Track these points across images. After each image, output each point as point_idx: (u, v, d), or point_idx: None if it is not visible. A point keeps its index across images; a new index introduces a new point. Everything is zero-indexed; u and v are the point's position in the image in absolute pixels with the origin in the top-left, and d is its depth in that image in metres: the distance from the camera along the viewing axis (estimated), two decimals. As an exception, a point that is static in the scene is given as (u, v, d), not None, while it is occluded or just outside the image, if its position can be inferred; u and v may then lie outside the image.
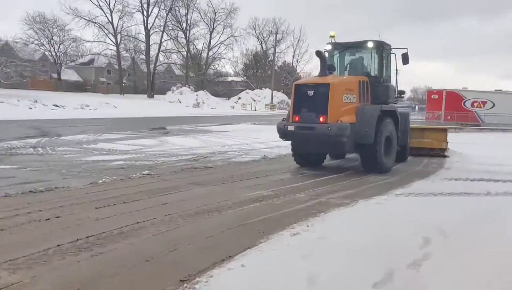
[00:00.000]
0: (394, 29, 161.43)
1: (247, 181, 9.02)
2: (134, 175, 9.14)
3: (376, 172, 10.24)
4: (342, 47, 11.72)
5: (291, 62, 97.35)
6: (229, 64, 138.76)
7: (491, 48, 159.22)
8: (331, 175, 10.10)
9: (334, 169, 11.07)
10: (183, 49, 74.12)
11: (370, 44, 11.23)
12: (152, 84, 67.58)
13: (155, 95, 65.64)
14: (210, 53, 78.66)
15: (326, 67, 10.22)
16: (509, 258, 4.52)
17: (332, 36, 11.99)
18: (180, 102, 58.37)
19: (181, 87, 65.36)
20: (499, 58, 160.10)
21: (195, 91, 64.34)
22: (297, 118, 9.98)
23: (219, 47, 78.71)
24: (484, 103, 34.85)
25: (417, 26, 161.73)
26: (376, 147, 10.09)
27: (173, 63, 77.64)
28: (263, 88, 78.51)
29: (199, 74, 76.59)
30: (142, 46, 70.26)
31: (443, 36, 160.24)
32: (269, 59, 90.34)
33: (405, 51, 11.07)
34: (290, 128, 9.97)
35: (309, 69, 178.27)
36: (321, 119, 9.66)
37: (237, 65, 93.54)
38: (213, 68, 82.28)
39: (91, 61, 76.91)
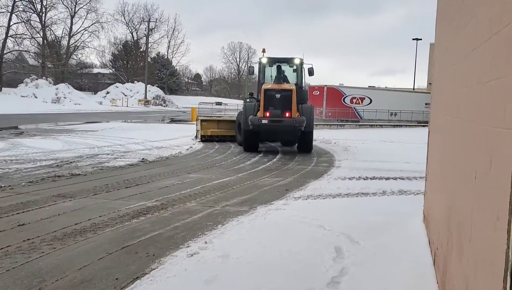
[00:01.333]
0: (276, 23, 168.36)
1: (125, 190, 8.23)
2: None
3: (309, 151, 14.87)
4: (273, 61, 15.82)
5: (166, 53, 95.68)
6: (94, 54, 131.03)
7: (363, 45, 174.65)
8: (221, 179, 9.75)
9: (224, 172, 10.74)
10: (38, 35, 67.91)
11: (297, 61, 15.69)
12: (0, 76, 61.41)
13: (3, 88, 59.87)
14: (72, 40, 73.71)
15: (282, 78, 15.09)
16: (422, 259, 4.55)
17: (263, 51, 16.80)
18: (35, 96, 53.58)
19: (37, 79, 59.64)
20: (371, 55, 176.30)
21: (54, 84, 59.47)
22: (267, 114, 13.84)
23: (83, 34, 74.20)
24: (362, 99, 37.75)
25: (298, 20, 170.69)
26: (312, 133, 14.82)
27: (25, 51, 70.52)
28: (135, 81, 75.55)
29: (59, 64, 71.12)
30: None
31: (319, 32, 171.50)
32: (141, 49, 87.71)
33: (310, 66, 15.56)
34: (264, 121, 13.71)
35: (186, 62, 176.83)
36: (287, 115, 13.96)
37: (104, 55, 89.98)
38: (75, 58, 77.33)
39: None
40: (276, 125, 13.79)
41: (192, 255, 4.73)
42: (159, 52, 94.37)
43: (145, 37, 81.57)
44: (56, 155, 11.92)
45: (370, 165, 12.25)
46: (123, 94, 68.82)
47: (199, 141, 17.32)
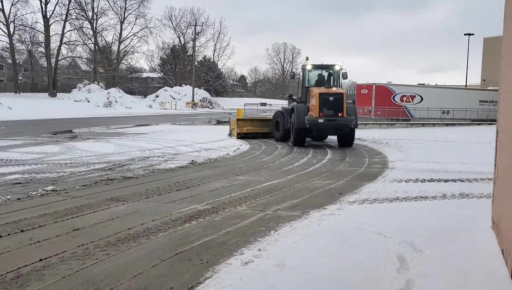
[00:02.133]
0: (320, 22, 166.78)
1: (176, 193, 8.19)
2: (34, 193, 7.97)
3: (351, 146, 16.86)
4: (316, 67, 17.66)
5: (212, 57, 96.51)
6: (143, 58, 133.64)
7: (412, 42, 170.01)
8: (270, 181, 9.56)
9: (272, 174, 10.54)
10: (90, 41, 69.61)
11: (337, 67, 17.54)
12: (54, 80, 62.47)
13: (58, 94, 61.24)
14: (122, 46, 74.89)
15: (331, 82, 17.34)
16: (496, 271, 4.17)
17: (307, 59, 18.65)
18: (88, 101, 54.79)
19: (89, 84, 60.73)
20: (420, 52, 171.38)
21: (105, 89, 60.46)
22: (321, 114, 15.94)
23: (132, 39, 75.37)
24: (412, 97, 36.53)
25: (341, 19, 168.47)
26: (355, 130, 16.97)
27: (78, 57, 72.02)
28: (183, 85, 76.40)
29: (110, 69, 72.39)
30: (41, 38, 64.48)
31: (366, 29, 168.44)
32: (188, 53, 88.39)
33: (344, 71, 17.39)
34: (320, 120, 15.83)
35: (231, 64, 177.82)
36: (339, 114, 16.05)
37: (152, 60, 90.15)
38: (125, 63, 78.19)
39: None
40: (331, 124, 15.99)
41: (246, 263, 4.55)
42: (206, 55, 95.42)
43: (192, 41, 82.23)
44: (109, 158, 12.12)
45: (426, 166, 11.71)
46: (172, 97, 69.39)
47: (236, 138, 19.17)
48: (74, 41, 67.18)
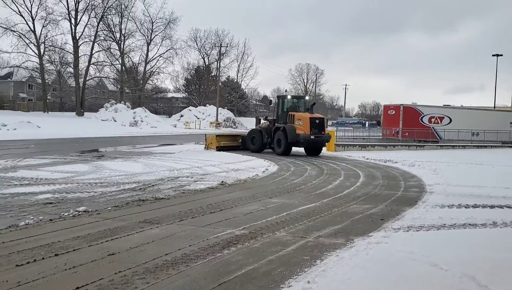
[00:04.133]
0: (343, 43, 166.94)
1: (210, 216, 7.91)
2: (66, 213, 7.76)
3: (317, 155, 22.20)
4: (292, 97, 23.73)
5: (235, 77, 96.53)
6: (169, 79, 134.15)
7: (437, 63, 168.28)
8: (305, 205, 9.20)
9: (306, 197, 10.20)
10: (117, 62, 70.05)
11: (307, 97, 24.80)
12: (81, 100, 63.05)
13: (85, 113, 61.65)
14: (148, 66, 75.02)
15: (307, 109, 22.79)
16: None
17: (286, 91, 29.63)
18: (115, 120, 54.90)
19: (116, 104, 60.74)
20: (445, 73, 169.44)
21: (132, 108, 60.22)
22: (311, 132, 20.95)
23: (158, 60, 75.44)
24: (441, 118, 35.75)
25: (365, 39, 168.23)
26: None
27: (105, 77, 72.40)
28: (207, 104, 76.10)
29: (136, 89, 72.99)
30: (70, 58, 64.52)
31: (389, 50, 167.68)
32: (212, 74, 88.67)
33: (313, 101, 24.96)
34: (312, 137, 20.93)
35: (254, 84, 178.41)
36: (322, 133, 21.52)
37: (177, 80, 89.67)
38: (151, 83, 78.39)
39: (10, 74, 70.83)
40: (318, 139, 21.31)
41: (297, 297, 4.21)
42: (229, 76, 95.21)
43: (216, 62, 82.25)
44: (138, 178, 11.94)
45: (466, 190, 11.19)
46: (196, 117, 68.70)
47: (215, 150, 22.02)
48: (101, 61, 67.81)
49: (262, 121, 24.28)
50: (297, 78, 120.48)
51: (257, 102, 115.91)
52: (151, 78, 76.70)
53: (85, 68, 64.43)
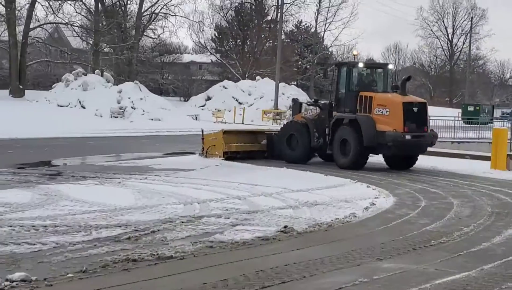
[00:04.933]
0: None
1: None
2: None
3: (409, 168, 14.58)
4: (365, 66, 16.03)
5: (313, 24, 57.75)
6: (186, 27, 70.11)
7: None
8: (450, 276, 5.13)
9: (450, 261, 6.12)
10: None
11: (390, 66, 16.88)
12: (20, 68, 36.94)
13: (28, 92, 36.92)
14: (147, 4, 43.98)
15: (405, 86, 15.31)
16: None
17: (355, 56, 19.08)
18: (82, 106, 31.44)
19: (85, 74, 34.65)
20: None
21: (115, 84, 34.51)
22: (406, 129, 13.80)
23: None
24: None
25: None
26: None
27: (65, 24, 40.65)
28: (257, 77, 43.62)
29: (123, 47, 43.39)
30: None
31: None
32: (269, 17, 53.25)
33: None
34: (408, 137, 13.62)
35: (350, 38, 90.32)
36: (424, 130, 14.32)
37: (202, 30, 51.04)
38: (152, 35, 47.31)
39: None
40: (417, 141, 14.11)
41: None
42: (301, 20, 56.47)
43: None
44: (125, 217, 7.34)
45: None
46: (236, 100, 39.94)
47: (222, 159, 14.60)
48: None
49: (305, 106, 16.69)
50: (433, 25, 70.03)
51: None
52: (151, 27, 46.55)
53: (27, 5, 37.64)
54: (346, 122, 14.15)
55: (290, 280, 4.92)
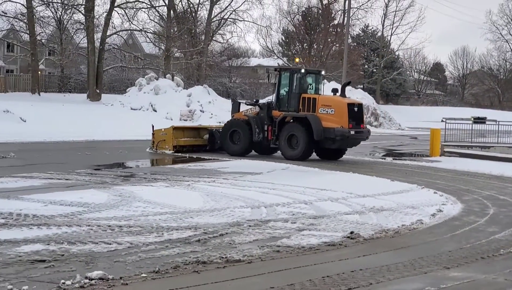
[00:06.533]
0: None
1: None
2: (69, 282, 4.84)
3: (337, 159, 16.85)
4: (306, 72, 17.37)
5: (380, 27, 58.48)
6: (254, 32, 78.13)
7: None
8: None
9: None
10: (160, 2, 41.49)
11: (323, 72, 18.84)
12: (97, 73, 37.28)
13: (104, 96, 37.36)
14: (216, 10, 44.64)
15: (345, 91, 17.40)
16: None
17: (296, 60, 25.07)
18: (154, 109, 32.22)
19: (156, 79, 35.52)
20: None
21: (184, 88, 35.45)
22: (350, 126, 15.72)
23: None
24: None
25: None
26: None
27: (139, 31, 41.33)
28: (324, 79, 39.74)
29: (194, 52, 43.39)
30: None
31: None
32: (335, 21, 53.25)
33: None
34: (352, 132, 15.66)
35: (416, 42, 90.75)
36: (361, 126, 16.46)
37: (269, 34, 50.68)
38: (220, 40, 48.22)
39: None
40: (358, 136, 16.19)
41: None
42: (367, 24, 57.99)
43: None
44: (195, 220, 7.82)
45: None
46: None
47: (174, 151, 16.36)
48: (134, 1, 39.51)
49: (245, 106, 17.91)
50: (502, 28, 66.11)
51: (423, 76, 70.18)
52: (220, 32, 47.46)
53: (104, 14, 37.96)
54: (295, 120, 16.05)
55: (357, 287, 4.92)
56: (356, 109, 16.11)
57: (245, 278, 5.19)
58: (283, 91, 16.65)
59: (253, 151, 16.91)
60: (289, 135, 16.05)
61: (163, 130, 17.20)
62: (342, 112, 15.64)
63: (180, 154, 16.30)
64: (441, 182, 12.55)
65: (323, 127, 15.45)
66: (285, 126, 16.02)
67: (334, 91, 16.93)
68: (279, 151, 16.54)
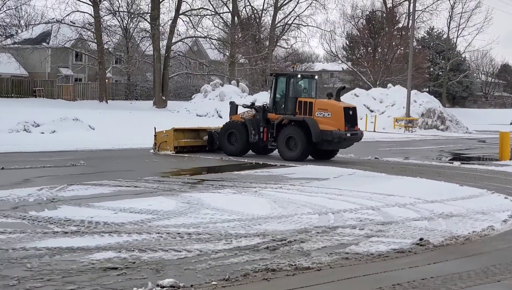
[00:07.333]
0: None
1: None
2: None
3: (329, 159, 17.40)
4: (302, 76, 18.32)
5: (445, 29, 58.04)
6: (318, 37, 77.89)
7: None
8: None
9: None
10: (224, 9, 42.47)
11: (316, 77, 19.04)
12: (163, 80, 38.30)
13: (170, 102, 38.27)
14: (280, 15, 45.29)
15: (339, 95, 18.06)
16: None
17: (293, 64, 23.16)
18: (219, 115, 32.33)
19: (222, 85, 36.15)
20: None
21: (249, 93, 35.73)
22: (346, 128, 16.43)
23: (298, 2, 44.73)
24: None
25: None
26: None
27: (204, 37, 41.82)
28: (388, 85, 42.41)
29: (258, 57, 43.90)
30: (144, 4, 40.27)
31: None
32: (400, 25, 52.58)
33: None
34: (348, 134, 16.42)
35: (484, 43, 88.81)
36: (355, 128, 17.11)
37: (333, 38, 50.74)
38: (285, 45, 48.10)
39: (45, 37, 43.46)
40: (353, 138, 16.94)
41: None
42: (433, 27, 57.60)
43: (406, 1, 49.36)
44: (263, 227, 7.77)
45: None
46: (367, 108, 38.51)
47: (175, 152, 17.04)
48: (198, 9, 39.95)
49: (242, 109, 18.29)
50: None
51: (490, 78, 68.13)
52: (284, 37, 47.31)
53: (169, 21, 38.70)
54: (293, 122, 16.57)
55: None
56: (351, 112, 16.92)
57: (315, 286, 5.14)
58: (279, 95, 17.40)
59: (250, 151, 17.76)
60: (288, 137, 16.72)
61: (164, 132, 17.91)
62: (339, 115, 16.49)
63: (180, 154, 17.02)
64: (511, 186, 11.97)
65: (320, 129, 16.19)
66: (283, 129, 16.63)
67: (329, 95, 17.73)
68: (275, 151, 17.31)
